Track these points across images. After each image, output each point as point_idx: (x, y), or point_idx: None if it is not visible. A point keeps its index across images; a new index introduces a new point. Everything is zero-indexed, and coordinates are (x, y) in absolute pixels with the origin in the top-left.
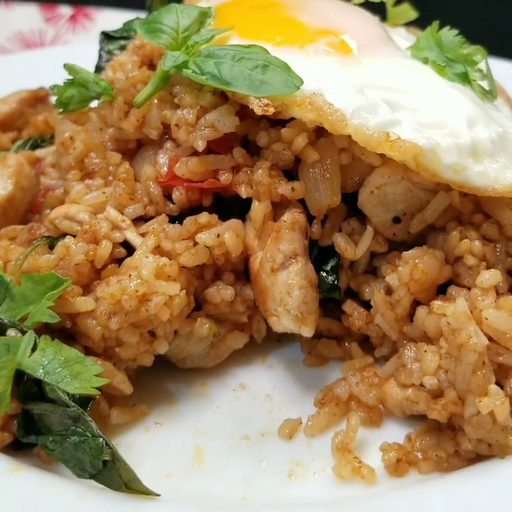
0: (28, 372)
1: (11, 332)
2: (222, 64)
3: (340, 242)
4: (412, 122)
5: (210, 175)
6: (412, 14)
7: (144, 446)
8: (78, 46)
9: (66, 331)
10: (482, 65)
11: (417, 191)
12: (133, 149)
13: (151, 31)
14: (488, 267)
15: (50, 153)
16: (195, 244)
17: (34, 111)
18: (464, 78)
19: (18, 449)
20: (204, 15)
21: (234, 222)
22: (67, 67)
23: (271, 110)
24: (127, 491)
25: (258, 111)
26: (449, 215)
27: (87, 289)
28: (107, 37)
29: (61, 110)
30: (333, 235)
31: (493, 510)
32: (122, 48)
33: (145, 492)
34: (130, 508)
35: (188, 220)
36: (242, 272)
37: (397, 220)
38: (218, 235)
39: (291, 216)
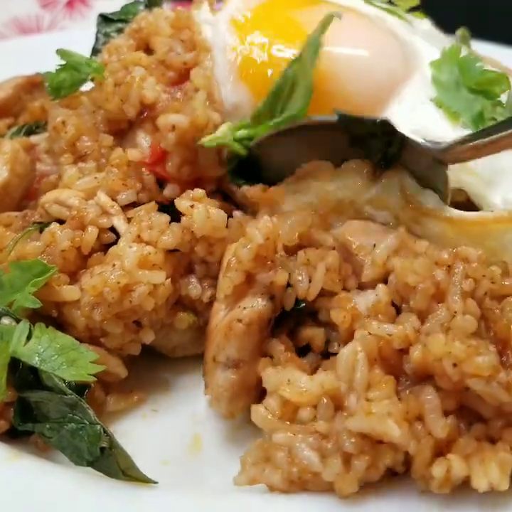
0: (24, 360)
1: (5, 320)
2: None
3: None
4: None
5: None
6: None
7: (141, 433)
8: (75, 32)
9: (54, 320)
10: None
11: None
12: (125, 130)
13: None
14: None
15: (43, 140)
16: None
17: (31, 97)
18: (478, 123)
19: (14, 437)
20: None
21: (218, 210)
22: (60, 52)
23: None
24: (125, 479)
25: None
26: None
27: (74, 277)
28: (104, 19)
29: (54, 96)
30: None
31: None
32: (120, 31)
33: (142, 480)
34: (128, 496)
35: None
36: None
37: None
38: (192, 206)
39: (251, 313)
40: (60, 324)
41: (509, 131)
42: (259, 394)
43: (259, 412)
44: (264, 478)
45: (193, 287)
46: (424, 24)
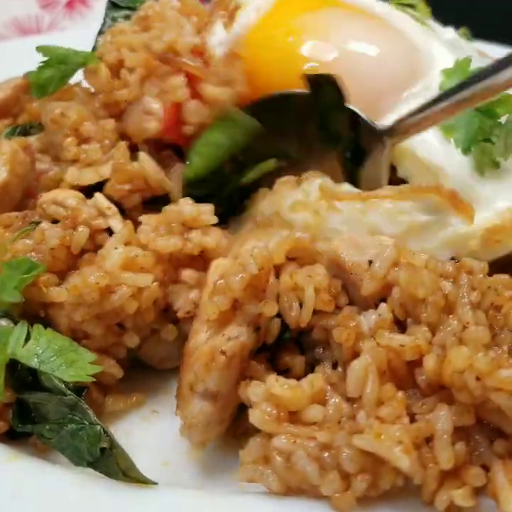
0: (23, 361)
1: (3, 322)
2: None
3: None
4: None
5: None
6: None
7: (142, 434)
8: (75, 33)
9: (42, 320)
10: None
11: None
12: (124, 110)
13: None
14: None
15: (35, 140)
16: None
17: (30, 98)
18: (470, 141)
19: (13, 437)
20: None
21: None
22: (41, 48)
23: None
24: (125, 479)
25: None
26: None
27: (65, 277)
28: (113, 5)
29: (40, 94)
30: None
31: None
32: (127, 17)
33: (142, 480)
34: (128, 496)
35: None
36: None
37: None
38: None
39: (235, 345)
40: (47, 325)
41: (440, 106)
42: (232, 421)
43: (257, 414)
44: (263, 480)
45: (177, 297)
46: (448, 33)
